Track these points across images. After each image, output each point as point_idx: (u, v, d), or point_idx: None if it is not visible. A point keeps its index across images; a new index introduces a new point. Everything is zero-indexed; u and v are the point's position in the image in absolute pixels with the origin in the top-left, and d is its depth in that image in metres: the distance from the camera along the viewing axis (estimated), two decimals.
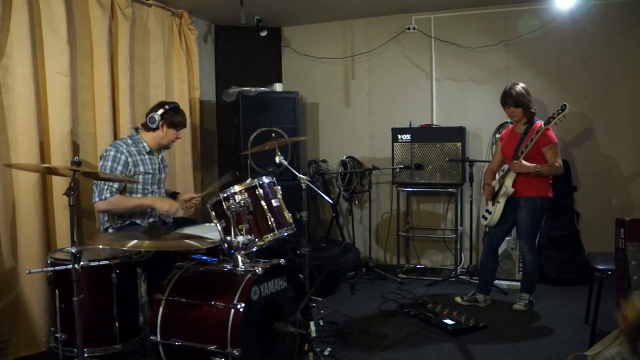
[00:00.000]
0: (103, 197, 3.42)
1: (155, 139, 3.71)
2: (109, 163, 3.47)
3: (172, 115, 3.70)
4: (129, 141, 3.62)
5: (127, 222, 3.60)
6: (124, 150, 3.53)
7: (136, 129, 3.76)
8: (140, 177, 3.60)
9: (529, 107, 4.11)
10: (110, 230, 3.58)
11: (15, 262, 3.43)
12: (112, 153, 3.50)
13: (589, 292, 3.86)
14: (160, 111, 3.67)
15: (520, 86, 4.13)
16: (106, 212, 3.56)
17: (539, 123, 4.04)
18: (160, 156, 3.81)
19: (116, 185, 3.45)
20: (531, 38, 5.17)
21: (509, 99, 4.12)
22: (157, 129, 3.68)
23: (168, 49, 4.87)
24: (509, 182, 4.09)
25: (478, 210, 5.20)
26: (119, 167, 3.49)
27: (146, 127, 3.70)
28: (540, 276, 4.68)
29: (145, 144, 3.68)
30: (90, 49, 4.01)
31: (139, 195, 3.61)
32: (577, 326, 3.83)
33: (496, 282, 4.63)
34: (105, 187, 3.42)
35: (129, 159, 3.53)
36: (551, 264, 4.91)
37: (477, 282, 4.56)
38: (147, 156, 3.67)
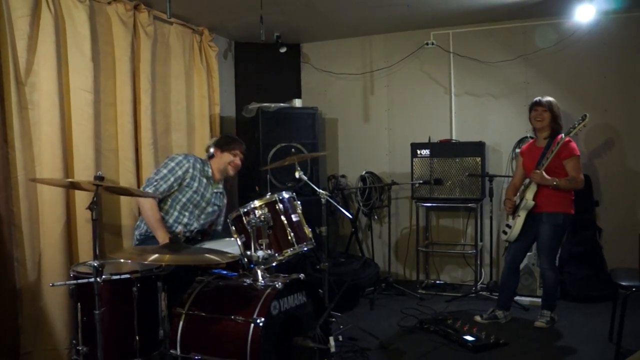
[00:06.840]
0: (147, 189, 3.55)
1: (216, 166, 3.85)
2: (165, 171, 3.60)
3: (223, 140, 3.91)
4: (200, 160, 3.80)
5: None
6: (192, 161, 3.70)
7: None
8: (189, 192, 3.68)
9: (557, 117, 4.10)
10: (143, 229, 3.67)
11: (38, 275, 3.48)
12: (179, 158, 3.68)
13: (613, 309, 3.78)
14: (213, 140, 3.90)
15: (552, 98, 4.16)
16: (139, 208, 3.68)
17: (561, 136, 4.03)
18: (215, 190, 3.87)
19: (164, 186, 3.57)
20: (550, 52, 5.15)
21: (543, 102, 4.12)
22: (212, 156, 3.84)
23: (189, 66, 4.94)
24: (529, 195, 4.05)
25: (498, 226, 5.16)
26: (179, 171, 3.62)
27: (208, 157, 3.88)
28: (562, 292, 4.63)
29: (210, 170, 3.82)
30: (113, 66, 4.09)
31: (178, 207, 3.68)
32: (600, 344, 3.75)
33: (517, 298, 4.57)
34: (154, 182, 3.56)
35: (190, 170, 3.67)
36: (573, 280, 4.83)
37: (497, 297, 4.50)
38: (205, 180, 3.78)
